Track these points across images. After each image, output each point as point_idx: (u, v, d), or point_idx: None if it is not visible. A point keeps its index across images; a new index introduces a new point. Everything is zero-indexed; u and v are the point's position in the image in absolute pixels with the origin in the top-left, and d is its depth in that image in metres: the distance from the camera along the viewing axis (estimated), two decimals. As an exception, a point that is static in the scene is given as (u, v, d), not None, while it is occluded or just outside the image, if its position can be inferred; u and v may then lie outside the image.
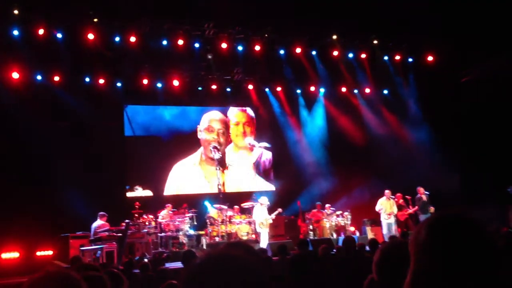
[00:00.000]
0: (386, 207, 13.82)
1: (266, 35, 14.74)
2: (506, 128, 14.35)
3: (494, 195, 12.91)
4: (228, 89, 16.43)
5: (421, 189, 14.00)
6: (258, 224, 13.33)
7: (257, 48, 14.64)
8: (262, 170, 17.11)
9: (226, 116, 16.90)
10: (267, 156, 17.25)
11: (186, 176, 15.81)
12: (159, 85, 15.33)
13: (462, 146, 14.94)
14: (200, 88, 16.10)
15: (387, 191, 13.96)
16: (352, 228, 14.76)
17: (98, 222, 11.74)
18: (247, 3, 13.03)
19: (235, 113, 17.11)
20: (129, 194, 14.87)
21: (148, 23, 13.43)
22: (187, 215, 13.52)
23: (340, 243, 12.45)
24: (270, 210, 13.76)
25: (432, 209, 13.65)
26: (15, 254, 11.80)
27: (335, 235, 14.19)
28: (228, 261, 1.21)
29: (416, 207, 13.99)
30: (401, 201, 14.25)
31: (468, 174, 14.22)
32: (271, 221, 13.53)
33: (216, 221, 13.70)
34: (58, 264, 9.30)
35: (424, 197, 13.92)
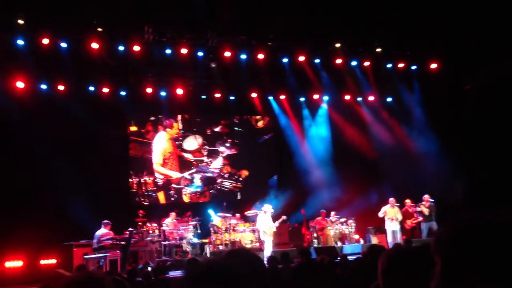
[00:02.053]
0: (390, 214, 13.74)
1: (269, 44, 14.78)
2: (511, 134, 14.31)
3: (500, 203, 12.82)
4: (232, 98, 16.46)
5: (426, 197, 13.91)
6: (262, 232, 13.27)
7: (261, 56, 14.67)
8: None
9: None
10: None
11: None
12: (163, 93, 15.38)
13: (467, 153, 14.87)
14: (203, 97, 16.14)
15: (391, 199, 13.88)
16: (356, 236, 14.70)
17: (102, 231, 11.73)
18: (250, 12, 13.08)
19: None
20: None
21: (151, 32, 13.49)
22: (191, 223, 13.51)
23: (344, 251, 12.41)
24: (274, 218, 13.72)
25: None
26: (18, 263, 11.79)
27: (339, 243, 14.13)
28: (223, 270, 1.24)
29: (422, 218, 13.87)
30: (411, 209, 14.08)
31: (473, 181, 14.13)
32: (274, 229, 13.47)
33: (220, 229, 13.67)
34: (62, 273, 9.29)
35: (427, 205, 13.81)
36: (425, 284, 1.88)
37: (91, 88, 14.36)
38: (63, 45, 12.89)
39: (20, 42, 12.42)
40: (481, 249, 1.28)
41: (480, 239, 1.30)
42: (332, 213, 14.73)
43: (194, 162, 16.58)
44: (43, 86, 13.76)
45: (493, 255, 1.28)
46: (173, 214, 13.63)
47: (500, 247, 1.28)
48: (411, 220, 14.04)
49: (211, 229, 13.74)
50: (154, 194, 15.87)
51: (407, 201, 14.15)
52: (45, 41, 12.58)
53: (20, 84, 13.15)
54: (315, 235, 14.41)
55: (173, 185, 16.17)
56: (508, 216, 1.35)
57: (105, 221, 11.92)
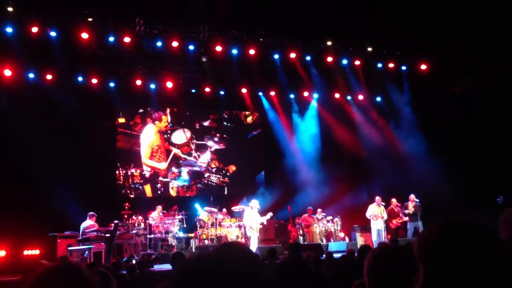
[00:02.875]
0: (376, 213, 13.82)
1: (261, 39, 14.75)
2: (499, 137, 14.48)
3: (486, 205, 12.94)
4: (222, 92, 16.42)
5: (412, 197, 14.01)
6: (248, 228, 13.28)
7: (252, 52, 14.64)
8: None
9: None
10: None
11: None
12: (152, 86, 15.29)
13: (455, 154, 15.00)
14: (193, 91, 16.08)
15: (377, 198, 13.96)
16: (341, 234, 14.78)
17: (87, 222, 11.65)
18: (242, 7, 13.03)
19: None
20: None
21: (142, 23, 13.39)
22: (177, 217, 13.48)
23: (330, 249, 12.48)
24: (261, 214, 13.74)
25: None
26: (1, 253, 11.66)
27: (324, 241, 14.19)
28: (220, 263, 1.19)
29: (408, 218, 13.98)
30: (396, 208, 14.15)
31: (460, 183, 14.26)
32: (261, 225, 13.49)
33: (206, 224, 13.67)
34: (45, 264, 9.19)
35: (413, 205, 13.92)
36: (409, 282, 1.89)
37: (80, 79, 14.21)
38: (53, 34, 12.73)
39: (9, 29, 12.24)
40: (466, 253, 1.28)
41: (465, 243, 1.30)
42: (318, 210, 14.78)
43: (182, 156, 16.53)
44: (31, 75, 13.59)
45: (477, 258, 1.28)
46: (159, 208, 13.58)
47: (484, 251, 1.28)
48: (396, 219, 14.12)
49: (197, 223, 13.73)
50: (140, 187, 15.80)
51: (393, 200, 14.23)
52: (34, 29, 12.41)
53: (7, 72, 12.97)
54: (301, 232, 14.45)
55: (160, 179, 16.11)
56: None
57: (91, 212, 11.86)
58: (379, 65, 16.32)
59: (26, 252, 11.90)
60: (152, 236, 12.87)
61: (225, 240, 13.30)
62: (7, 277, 9.66)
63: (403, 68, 16.62)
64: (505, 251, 1.31)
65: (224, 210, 14.39)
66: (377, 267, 1.97)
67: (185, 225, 13.63)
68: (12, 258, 11.52)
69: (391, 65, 16.33)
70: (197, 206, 14.41)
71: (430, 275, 1.33)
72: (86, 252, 10.68)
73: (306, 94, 17.21)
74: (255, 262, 1.89)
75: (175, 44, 13.85)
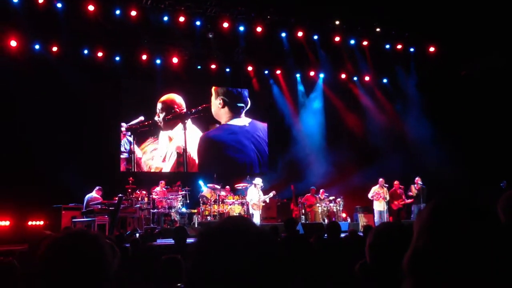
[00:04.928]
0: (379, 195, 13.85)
1: (268, 17, 14.59)
2: (505, 121, 14.42)
3: (490, 189, 12.95)
4: (228, 70, 16.33)
5: (417, 179, 14.02)
6: (251, 205, 13.37)
7: (259, 29, 14.51)
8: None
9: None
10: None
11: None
12: (158, 61, 15.21)
13: (459, 138, 14.96)
14: (199, 67, 16.00)
15: (381, 179, 13.96)
16: (343, 215, 14.86)
17: (92, 195, 11.74)
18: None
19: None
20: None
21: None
22: (180, 193, 13.55)
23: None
24: (264, 192, 13.81)
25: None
26: (5, 223, 11.81)
27: (326, 220, 14.26)
28: (245, 226, 1.20)
29: (411, 199, 14.02)
30: (399, 190, 14.18)
31: (465, 166, 14.25)
32: (263, 204, 13.57)
33: (209, 201, 13.74)
34: (49, 234, 9.29)
35: (418, 187, 13.93)
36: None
37: (85, 51, 14.14)
38: (59, 5, 12.64)
39: (15, 0, 12.16)
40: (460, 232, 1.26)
41: (460, 221, 1.27)
42: (321, 190, 14.82)
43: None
44: (37, 46, 13.52)
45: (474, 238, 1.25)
46: (162, 183, 13.64)
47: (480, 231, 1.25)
48: (398, 201, 14.17)
49: (200, 199, 13.81)
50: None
51: (396, 182, 14.25)
52: (41, 0, 12.33)
53: (13, 43, 12.92)
54: (303, 211, 14.53)
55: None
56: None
57: (98, 187, 11.93)
58: (387, 46, 16.15)
59: (30, 223, 12.05)
60: (155, 210, 12.98)
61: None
62: (10, 247, 9.77)
63: (411, 50, 16.45)
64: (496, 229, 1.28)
65: (227, 187, 14.46)
66: (379, 244, 1.98)
67: (188, 201, 13.71)
68: (16, 228, 11.67)
69: (399, 46, 16.16)
70: (200, 182, 14.48)
71: (418, 249, 1.31)
72: (90, 224, 10.79)
73: (312, 73, 17.10)
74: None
75: (181, 19, 13.75)
